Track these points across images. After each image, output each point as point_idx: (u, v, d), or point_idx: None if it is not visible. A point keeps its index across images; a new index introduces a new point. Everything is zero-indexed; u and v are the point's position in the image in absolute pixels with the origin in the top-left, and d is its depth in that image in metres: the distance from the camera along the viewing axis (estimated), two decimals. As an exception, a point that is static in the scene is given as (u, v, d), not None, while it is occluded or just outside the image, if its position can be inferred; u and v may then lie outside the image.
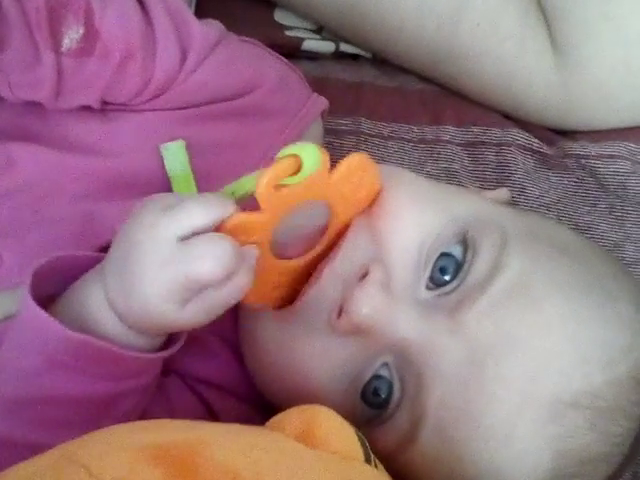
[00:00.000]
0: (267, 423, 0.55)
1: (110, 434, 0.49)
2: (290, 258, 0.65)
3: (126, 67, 0.69)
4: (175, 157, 0.71)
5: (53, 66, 0.67)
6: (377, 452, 0.57)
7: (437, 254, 0.64)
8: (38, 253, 0.67)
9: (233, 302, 0.59)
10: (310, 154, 0.59)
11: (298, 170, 0.59)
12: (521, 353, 0.61)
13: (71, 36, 0.67)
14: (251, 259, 0.58)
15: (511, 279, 0.62)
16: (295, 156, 0.59)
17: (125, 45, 0.69)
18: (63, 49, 0.67)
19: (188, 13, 0.73)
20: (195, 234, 0.57)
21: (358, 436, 0.55)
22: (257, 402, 0.71)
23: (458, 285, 0.63)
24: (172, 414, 0.67)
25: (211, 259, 0.56)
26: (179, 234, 0.57)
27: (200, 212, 0.57)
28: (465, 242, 0.64)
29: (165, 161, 0.71)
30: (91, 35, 0.68)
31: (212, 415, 0.70)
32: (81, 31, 0.67)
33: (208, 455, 0.46)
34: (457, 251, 0.64)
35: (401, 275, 0.64)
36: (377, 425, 0.64)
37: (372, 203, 0.66)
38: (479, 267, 0.62)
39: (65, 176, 0.70)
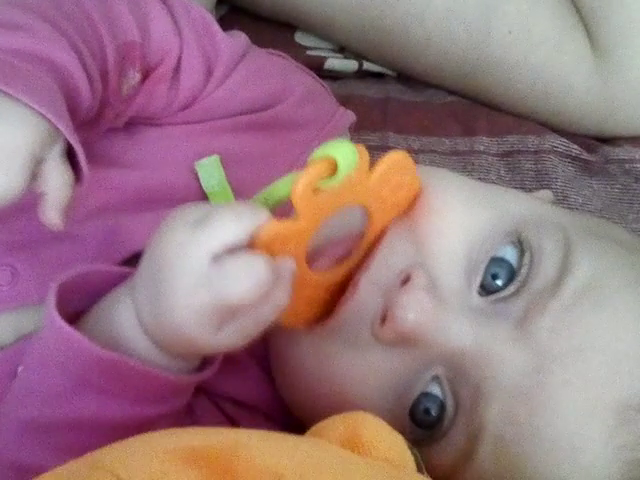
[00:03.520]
0: (308, 432, 0.50)
1: (139, 440, 0.45)
2: (326, 270, 0.60)
3: (155, 88, 0.69)
4: (210, 173, 0.69)
5: (110, 117, 0.68)
6: (430, 473, 0.52)
7: (488, 257, 0.60)
8: (56, 268, 0.65)
9: (270, 322, 0.55)
10: (346, 153, 0.55)
11: (335, 172, 0.56)
12: (591, 357, 0.57)
13: (129, 84, 0.67)
14: (287, 274, 0.54)
15: (582, 280, 0.58)
16: (330, 157, 0.55)
17: (160, 71, 0.68)
18: (122, 97, 0.67)
19: (213, 25, 0.72)
20: (228, 250, 0.53)
21: (408, 445, 0.50)
22: (288, 421, 0.67)
23: (518, 290, 0.59)
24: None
25: (245, 281, 0.52)
26: (211, 253, 0.53)
27: (231, 225, 0.53)
28: (520, 243, 0.60)
29: (201, 179, 0.69)
30: (144, 76, 0.68)
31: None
32: (138, 77, 0.67)
33: (247, 457, 0.42)
34: (510, 254, 0.60)
35: (448, 280, 0.60)
36: (429, 444, 0.59)
37: (411, 205, 0.62)
38: (546, 270, 0.59)
39: (87, 189, 0.67)
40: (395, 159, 0.59)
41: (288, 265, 0.54)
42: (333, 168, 0.55)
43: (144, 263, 0.56)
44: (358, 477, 0.44)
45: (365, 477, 0.44)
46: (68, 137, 0.58)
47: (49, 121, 0.57)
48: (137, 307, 0.56)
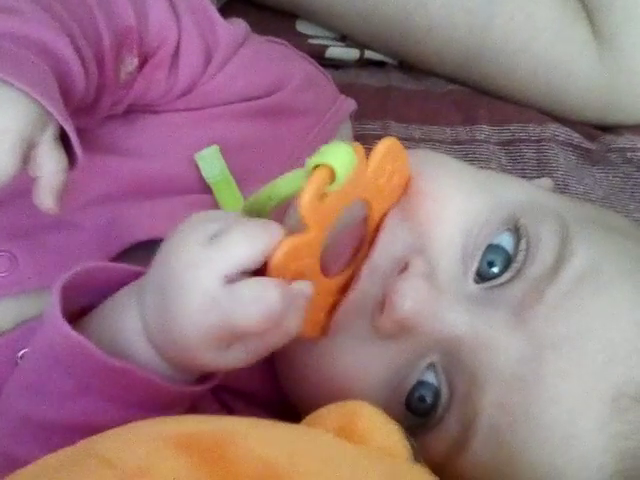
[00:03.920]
0: (303, 420, 0.50)
1: (133, 427, 0.45)
2: (339, 272, 0.60)
3: (154, 74, 0.68)
4: (211, 164, 0.69)
5: (108, 103, 0.67)
6: (426, 462, 0.52)
7: (485, 244, 0.59)
8: (56, 255, 0.65)
9: (279, 346, 0.55)
10: (343, 158, 0.54)
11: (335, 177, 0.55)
12: (586, 345, 0.56)
13: (126, 70, 0.67)
14: (301, 301, 0.53)
15: (579, 267, 0.58)
16: (328, 164, 0.54)
17: (159, 57, 0.68)
18: (120, 83, 0.67)
19: (212, 11, 0.72)
20: (243, 272, 0.52)
21: (404, 434, 0.50)
22: (285, 410, 0.67)
23: (514, 277, 0.58)
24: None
25: (258, 309, 0.51)
26: (223, 275, 0.52)
27: (246, 246, 0.52)
28: (517, 230, 0.59)
29: (202, 170, 0.69)
30: (141, 62, 0.67)
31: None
32: (135, 63, 0.67)
33: (239, 444, 0.42)
34: (507, 241, 0.59)
35: (446, 267, 0.59)
36: (424, 433, 0.59)
37: (407, 190, 0.61)
38: (543, 257, 0.58)
39: (87, 177, 0.67)
40: (388, 146, 0.59)
41: (303, 290, 0.53)
42: (334, 174, 0.54)
43: (154, 273, 0.55)
44: (351, 466, 0.43)
45: (358, 466, 0.44)
46: (60, 120, 0.58)
47: (40, 104, 0.57)
48: (143, 317, 0.56)
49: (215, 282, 0.51)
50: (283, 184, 0.56)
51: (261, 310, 0.51)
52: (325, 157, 0.54)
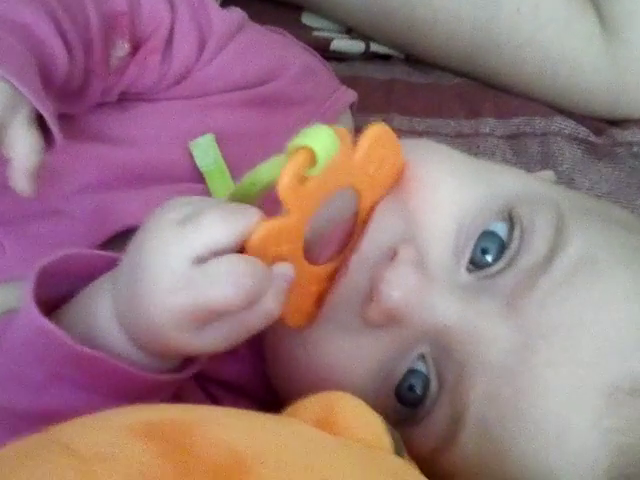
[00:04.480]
0: (284, 411, 0.48)
1: (99, 415, 0.43)
2: (327, 261, 0.58)
3: (147, 60, 0.68)
4: (206, 152, 0.68)
5: (99, 89, 0.67)
6: (413, 455, 0.51)
7: (478, 233, 0.58)
8: (43, 244, 0.64)
9: (260, 328, 0.53)
10: (324, 140, 0.52)
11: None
12: (580, 335, 0.55)
13: (117, 54, 0.66)
14: (282, 282, 0.52)
15: (574, 257, 0.56)
16: (308, 147, 0.52)
17: (152, 43, 0.67)
18: (111, 68, 0.66)
19: None
20: (214, 253, 0.50)
21: (387, 427, 0.48)
22: (275, 405, 0.65)
23: (506, 267, 0.57)
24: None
25: (228, 285, 0.49)
26: (194, 253, 0.51)
27: (219, 227, 0.51)
28: (511, 219, 0.58)
29: (195, 158, 0.68)
30: (134, 48, 0.67)
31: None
32: (127, 48, 0.66)
33: (205, 433, 0.40)
34: (501, 229, 0.58)
35: (437, 256, 0.58)
36: (412, 425, 0.57)
37: (399, 178, 0.60)
38: (537, 246, 0.56)
39: (77, 164, 0.66)
40: (377, 133, 0.57)
41: (284, 272, 0.52)
42: (314, 157, 0.52)
43: (127, 255, 0.54)
44: (324, 457, 0.42)
45: (333, 457, 0.42)
46: (32, 100, 0.57)
47: (12, 84, 0.56)
48: (115, 301, 0.55)
49: (185, 261, 0.50)
50: (265, 170, 0.54)
51: (231, 285, 0.49)
52: (305, 139, 0.52)
